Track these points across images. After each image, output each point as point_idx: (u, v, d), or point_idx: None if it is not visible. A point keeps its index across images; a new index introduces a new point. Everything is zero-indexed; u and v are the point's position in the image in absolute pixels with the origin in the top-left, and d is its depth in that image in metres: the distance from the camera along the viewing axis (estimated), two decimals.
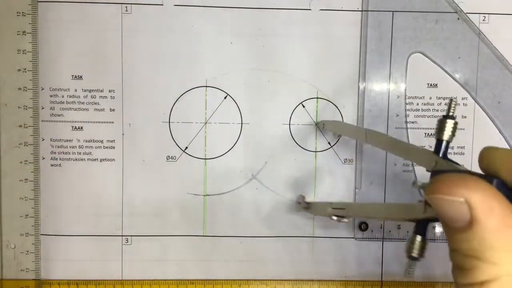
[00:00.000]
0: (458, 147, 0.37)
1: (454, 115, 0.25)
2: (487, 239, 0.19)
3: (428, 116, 0.37)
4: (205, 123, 0.37)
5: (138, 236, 0.37)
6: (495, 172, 0.21)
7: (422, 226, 0.25)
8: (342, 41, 0.36)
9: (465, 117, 0.37)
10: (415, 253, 0.25)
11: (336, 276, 0.38)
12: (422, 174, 0.37)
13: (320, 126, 0.36)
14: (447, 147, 0.25)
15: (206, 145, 0.37)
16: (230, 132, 0.37)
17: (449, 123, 0.25)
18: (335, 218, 0.31)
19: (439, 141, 0.25)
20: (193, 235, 0.37)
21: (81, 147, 0.36)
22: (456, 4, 0.36)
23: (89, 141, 0.36)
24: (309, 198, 0.37)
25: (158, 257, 0.37)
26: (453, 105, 0.25)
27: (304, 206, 0.35)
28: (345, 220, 0.31)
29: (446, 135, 0.25)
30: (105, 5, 0.36)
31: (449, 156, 0.37)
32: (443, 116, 0.25)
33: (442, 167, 0.25)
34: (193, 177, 0.37)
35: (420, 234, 0.25)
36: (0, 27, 0.35)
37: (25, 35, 0.35)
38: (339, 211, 0.31)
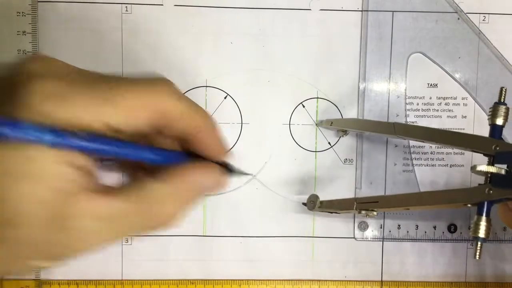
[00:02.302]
0: None
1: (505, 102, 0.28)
2: None
3: (428, 116, 0.37)
4: None
5: (138, 236, 0.37)
6: None
7: (487, 208, 0.27)
8: (342, 41, 0.36)
9: (465, 117, 0.37)
10: (482, 234, 0.26)
11: (336, 276, 0.38)
12: (421, 173, 0.37)
13: (325, 125, 0.36)
14: (501, 131, 0.28)
15: None
16: (230, 132, 0.37)
17: (502, 109, 0.28)
18: (363, 212, 0.32)
19: (494, 126, 0.28)
20: (193, 235, 0.37)
21: None
22: (456, 4, 0.36)
23: None
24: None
25: (158, 257, 0.37)
26: (503, 92, 0.28)
27: (319, 205, 0.35)
28: (375, 213, 0.32)
29: (500, 120, 0.28)
30: (105, 5, 0.36)
31: (449, 156, 0.37)
32: (495, 102, 0.28)
33: (506, 148, 0.27)
34: None
35: (485, 215, 0.27)
36: (0, 27, 0.35)
37: (25, 35, 0.35)
38: (372, 204, 0.32)
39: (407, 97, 0.37)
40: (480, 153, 0.28)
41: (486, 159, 0.28)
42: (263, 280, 0.38)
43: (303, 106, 0.37)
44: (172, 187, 0.26)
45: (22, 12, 0.35)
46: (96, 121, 0.24)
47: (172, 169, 0.27)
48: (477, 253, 0.26)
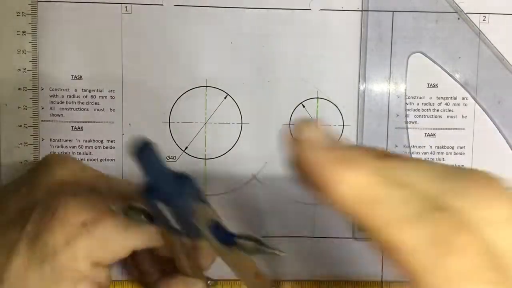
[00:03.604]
0: (458, 147, 0.37)
1: None
2: None
3: (428, 116, 0.37)
4: (205, 123, 0.37)
5: None
6: None
7: None
8: (342, 41, 0.36)
9: (465, 117, 0.37)
10: None
11: (336, 276, 0.38)
12: None
13: None
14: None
15: (206, 145, 0.37)
16: (230, 132, 0.37)
17: None
18: None
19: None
20: None
21: (81, 147, 0.36)
22: (456, 4, 0.36)
23: (89, 141, 0.36)
24: (309, 199, 0.37)
25: None
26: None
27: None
28: None
29: None
30: (105, 5, 0.36)
31: (449, 156, 0.37)
32: None
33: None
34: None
35: None
36: (0, 27, 0.35)
37: (25, 35, 0.35)
38: None
39: (407, 97, 0.37)
40: None
41: None
42: None
43: (303, 106, 0.37)
44: None
45: (22, 12, 0.35)
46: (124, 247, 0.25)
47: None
48: None
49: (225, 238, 0.25)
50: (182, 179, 0.22)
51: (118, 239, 0.24)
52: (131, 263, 0.31)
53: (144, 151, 0.19)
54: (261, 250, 0.24)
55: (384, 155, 0.17)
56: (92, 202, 0.25)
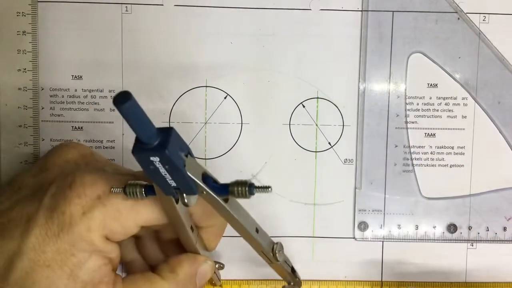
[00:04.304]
0: (458, 147, 0.37)
1: None
2: None
3: (428, 116, 0.37)
4: (205, 123, 0.37)
5: None
6: None
7: None
8: (342, 41, 0.36)
9: (465, 117, 0.37)
10: None
11: (336, 276, 0.38)
12: (421, 173, 0.37)
13: None
14: None
15: (206, 145, 0.37)
16: (230, 132, 0.37)
17: None
18: None
19: None
20: None
21: None
22: (456, 4, 0.36)
23: (89, 142, 0.36)
24: (309, 199, 0.37)
25: None
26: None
27: None
28: None
29: None
30: (105, 5, 0.36)
31: (449, 156, 0.37)
32: None
33: None
34: None
35: None
36: (0, 27, 0.35)
37: (25, 35, 0.35)
38: None
39: (407, 97, 0.37)
40: None
41: None
42: (263, 280, 0.38)
43: (303, 106, 0.37)
44: (178, 285, 0.28)
45: (22, 12, 0.35)
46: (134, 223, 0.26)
47: (175, 263, 0.29)
48: None
49: (219, 189, 0.26)
50: (167, 131, 0.23)
51: (128, 213, 0.25)
52: (136, 250, 0.32)
53: (125, 101, 0.20)
54: (253, 191, 0.25)
55: None
56: (105, 179, 0.26)
